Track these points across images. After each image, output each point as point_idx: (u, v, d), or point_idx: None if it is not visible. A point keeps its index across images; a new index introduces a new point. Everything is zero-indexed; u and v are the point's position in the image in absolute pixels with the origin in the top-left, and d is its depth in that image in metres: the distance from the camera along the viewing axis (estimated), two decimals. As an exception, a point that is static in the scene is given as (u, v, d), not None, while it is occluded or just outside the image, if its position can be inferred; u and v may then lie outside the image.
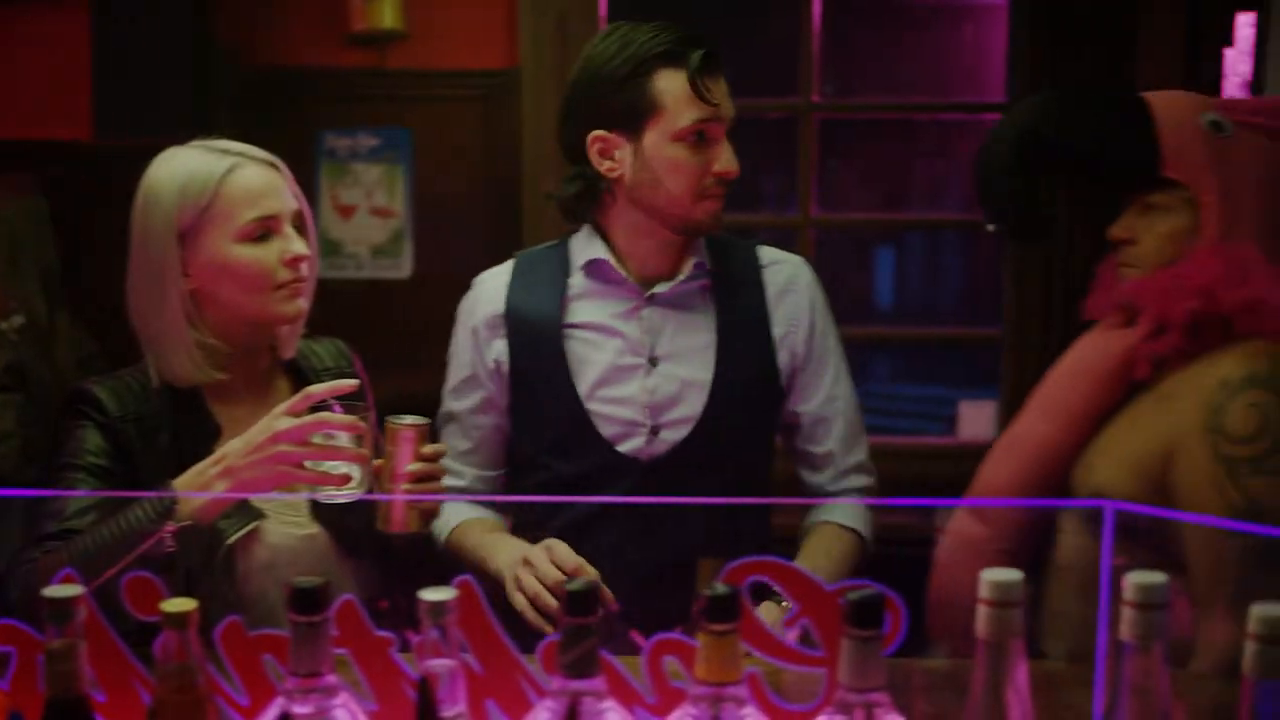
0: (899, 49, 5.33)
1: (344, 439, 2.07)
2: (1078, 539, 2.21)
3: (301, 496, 2.28)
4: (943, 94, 5.10)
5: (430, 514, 2.25)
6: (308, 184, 4.37)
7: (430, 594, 1.30)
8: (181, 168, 2.24)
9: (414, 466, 2.16)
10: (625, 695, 1.46)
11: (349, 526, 2.33)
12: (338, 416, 2.07)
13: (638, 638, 1.52)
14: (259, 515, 2.26)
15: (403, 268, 4.55)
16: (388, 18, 4.41)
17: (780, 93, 4.70)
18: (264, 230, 2.24)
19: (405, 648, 1.48)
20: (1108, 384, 2.22)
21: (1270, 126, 2.20)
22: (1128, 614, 1.21)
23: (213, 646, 1.48)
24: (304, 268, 2.28)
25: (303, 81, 4.54)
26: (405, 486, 2.15)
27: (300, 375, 2.42)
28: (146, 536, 2.04)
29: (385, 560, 2.37)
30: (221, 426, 2.29)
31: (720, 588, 1.24)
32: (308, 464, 2.06)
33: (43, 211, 3.90)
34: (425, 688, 1.28)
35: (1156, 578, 1.20)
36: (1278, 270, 2.13)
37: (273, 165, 2.29)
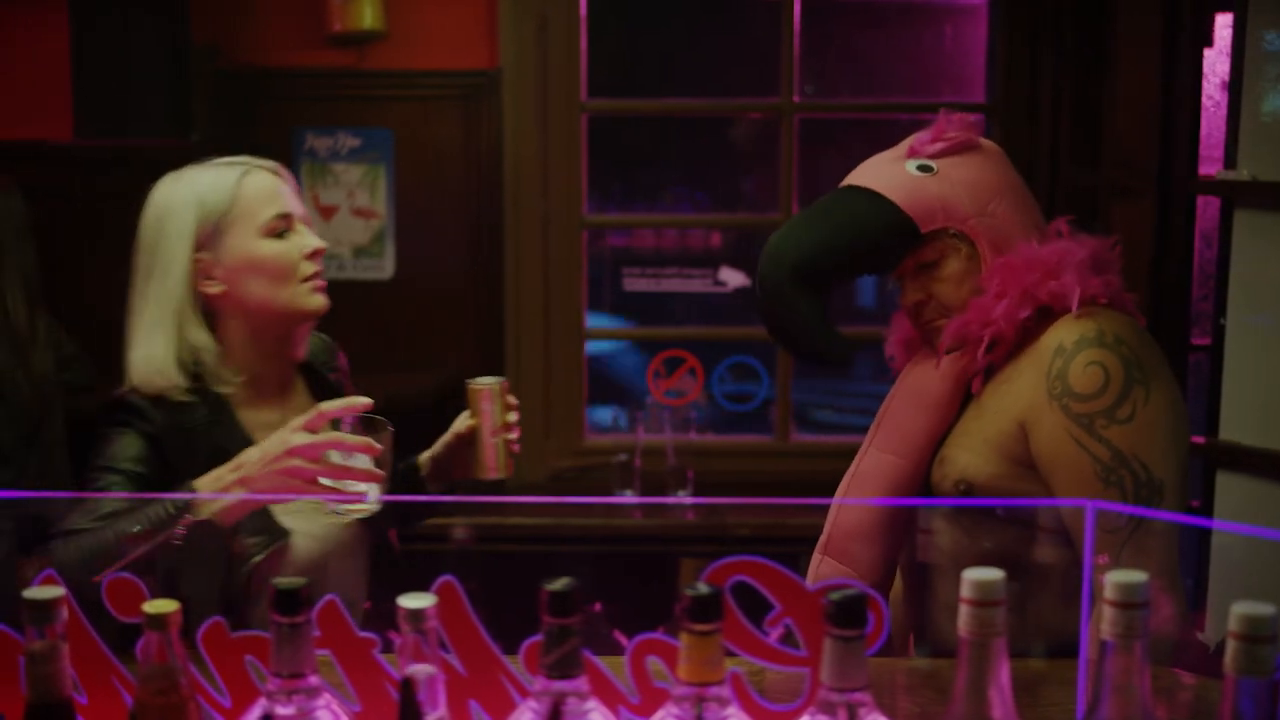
0: (879, 49, 5.33)
1: (360, 459, 2.10)
2: (949, 536, 2.27)
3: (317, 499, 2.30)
4: (923, 94, 5.11)
5: (514, 461, 2.40)
6: (288, 185, 4.38)
7: (409, 601, 1.30)
8: (192, 185, 2.30)
9: (511, 417, 2.35)
10: (608, 695, 1.46)
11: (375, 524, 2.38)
12: (352, 437, 2.10)
13: (620, 638, 1.52)
14: (284, 535, 2.27)
15: (385, 268, 4.54)
16: (367, 18, 4.40)
17: (761, 93, 4.71)
18: (284, 227, 2.31)
19: (388, 648, 1.48)
20: (944, 408, 2.31)
21: (956, 143, 2.31)
22: (1109, 613, 1.21)
23: (195, 648, 1.48)
24: (320, 263, 2.35)
25: (282, 82, 4.54)
26: (492, 440, 2.33)
27: (312, 373, 2.47)
28: (162, 533, 2.05)
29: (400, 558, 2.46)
30: (251, 435, 2.29)
31: (703, 587, 1.24)
32: (323, 480, 2.09)
33: (20, 212, 3.88)
34: (407, 689, 1.28)
35: (1137, 576, 1.21)
36: (1056, 247, 2.25)
37: (275, 172, 2.36)
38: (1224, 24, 3.70)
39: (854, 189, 2.31)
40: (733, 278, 5.09)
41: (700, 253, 5.37)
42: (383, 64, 4.52)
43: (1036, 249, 2.23)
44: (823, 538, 2.36)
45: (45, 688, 1.28)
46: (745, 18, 5.08)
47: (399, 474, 2.43)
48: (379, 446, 2.11)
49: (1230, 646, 1.17)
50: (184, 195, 2.29)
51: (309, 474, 2.07)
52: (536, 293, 4.64)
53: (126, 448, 2.22)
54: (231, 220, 2.27)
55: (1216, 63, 3.82)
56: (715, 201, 5.48)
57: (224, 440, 2.25)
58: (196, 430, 2.26)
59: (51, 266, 4.05)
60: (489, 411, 2.33)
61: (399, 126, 4.55)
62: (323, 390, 2.44)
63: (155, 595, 1.50)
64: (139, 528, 2.06)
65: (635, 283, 5.10)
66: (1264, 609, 1.16)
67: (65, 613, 1.29)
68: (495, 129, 4.53)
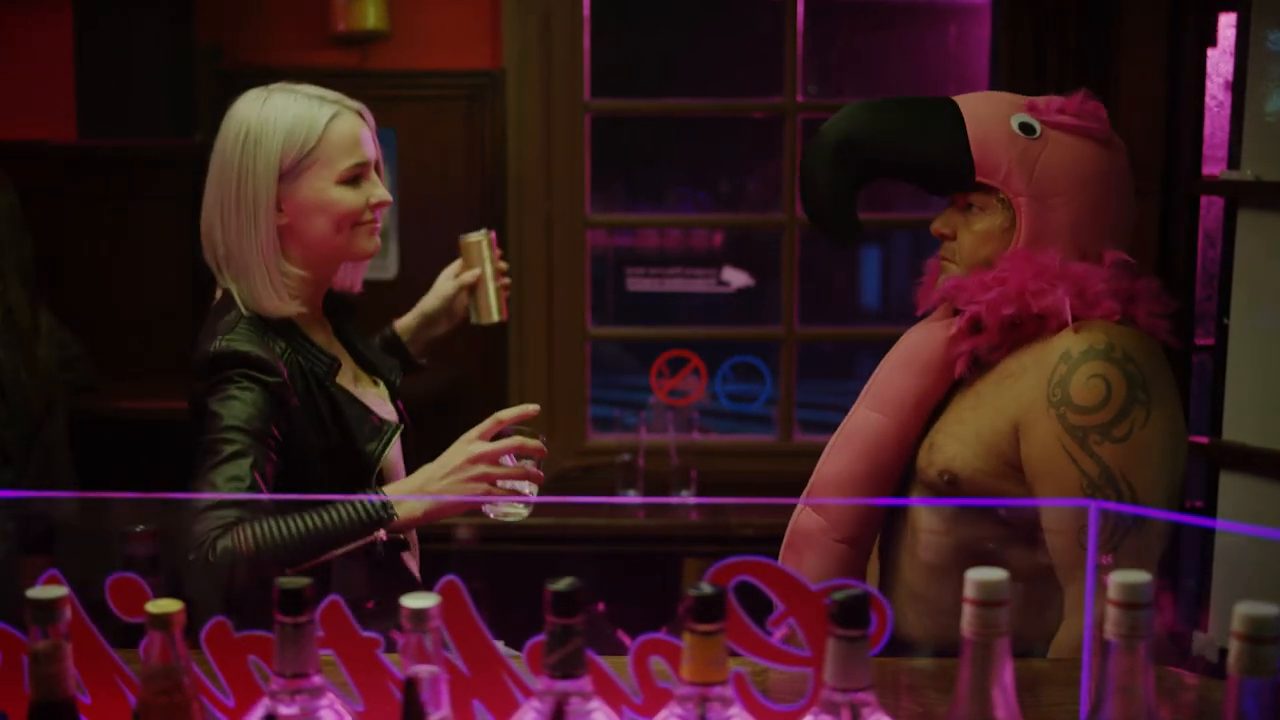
0: (883, 49, 5.33)
1: (528, 461, 2.28)
2: (935, 535, 2.28)
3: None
4: (926, 94, 5.10)
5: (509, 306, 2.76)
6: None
7: (412, 601, 1.29)
8: (284, 113, 2.37)
9: (502, 265, 2.71)
10: (611, 695, 1.46)
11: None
12: (531, 441, 2.27)
13: (623, 638, 1.52)
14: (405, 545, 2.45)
15: (388, 268, 4.54)
16: (371, 18, 4.40)
17: (764, 93, 4.70)
18: (358, 175, 2.39)
19: (392, 648, 1.48)
20: (936, 374, 2.30)
21: (1076, 125, 2.26)
22: (1112, 613, 1.21)
23: (198, 648, 1.48)
24: (381, 213, 2.46)
25: (285, 81, 4.52)
26: (493, 285, 2.70)
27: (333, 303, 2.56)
28: (359, 538, 2.19)
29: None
30: (330, 351, 2.41)
31: (706, 587, 1.24)
32: (500, 483, 2.25)
33: (16, 206, 3.86)
34: (411, 689, 1.28)
35: (1141, 576, 1.21)
36: (1084, 269, 2.21)
37: (361, 115, 2.45)
38: (1228, 24, 3.69)
39: (949, 104, 2.31)
40: (736, 278, 5.09)
41: (703, 253, 5.37)
42: (386, 64, 4.52)
43: (1061, 260, 2.20)
44: (806, 490, 2.36)
45: (49, 687, 1.28)
46: (748, 17, 5.08)
47: (381, 342, 2.74)
48: (545, 450, 2.28)
49: (1234, 647, 1.17)
50: (273, 123, 2.35)
51: (491, 478, 2.24)
52: (539, 292, 4.63)
53: (245, 405, 2.24)
54: (312, 162, 2.35)
55: (1220, 63, 3.81)
56: (718, 202, 5.48)
57: (310, 364, 2.35)
58: (292, 356, 2.33)
59: (54, 266, 4.06)
60: (487, 259, 2.64)
61: (402, 126, 4.55)
62: (342, 325, 2.56)
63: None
64: (334, 527, 2.17)
65: (638, 283, 5.10)
66: (1268, 609, 1.16)
67: (69, 612, 1.29)
68: (498, 129, 4.53)
